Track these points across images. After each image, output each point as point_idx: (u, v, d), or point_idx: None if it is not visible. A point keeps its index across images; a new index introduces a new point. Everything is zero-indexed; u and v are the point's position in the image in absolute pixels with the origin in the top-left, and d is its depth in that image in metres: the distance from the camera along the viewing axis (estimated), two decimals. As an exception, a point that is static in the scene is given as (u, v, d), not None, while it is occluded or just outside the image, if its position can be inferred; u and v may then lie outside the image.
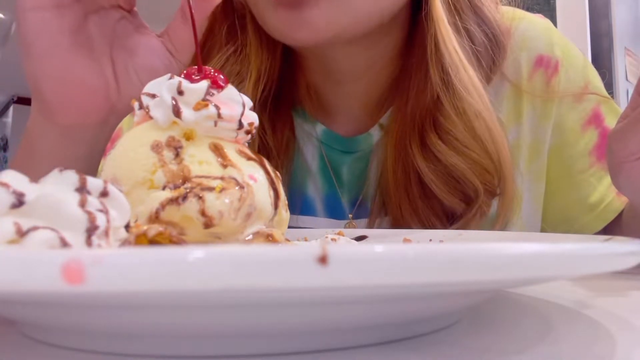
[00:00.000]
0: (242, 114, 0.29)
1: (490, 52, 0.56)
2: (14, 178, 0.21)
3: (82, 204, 0.21)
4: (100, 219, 0.21)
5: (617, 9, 2.07)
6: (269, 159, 0.53)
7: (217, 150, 0.28)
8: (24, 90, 4.50)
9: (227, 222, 0.26)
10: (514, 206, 0.54)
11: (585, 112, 0.61)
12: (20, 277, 0.15)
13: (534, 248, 0.17)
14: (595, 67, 0.65)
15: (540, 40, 0.61)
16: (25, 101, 4.67)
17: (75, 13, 0.41)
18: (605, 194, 0.61)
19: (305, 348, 0.20)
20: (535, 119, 0.60)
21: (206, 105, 0.28)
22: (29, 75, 0.42)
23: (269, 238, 0.27)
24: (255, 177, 0.28)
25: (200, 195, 0.26)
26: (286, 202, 0.30)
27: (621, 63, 2.06)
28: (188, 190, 0.26)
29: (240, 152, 0.29)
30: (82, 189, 0.22)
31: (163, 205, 0.26)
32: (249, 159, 0.29)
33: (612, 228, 0.61)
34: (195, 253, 0.14)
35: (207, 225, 0.26)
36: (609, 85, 1.96)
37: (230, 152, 0.28)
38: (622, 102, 1.96)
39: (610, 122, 0.61)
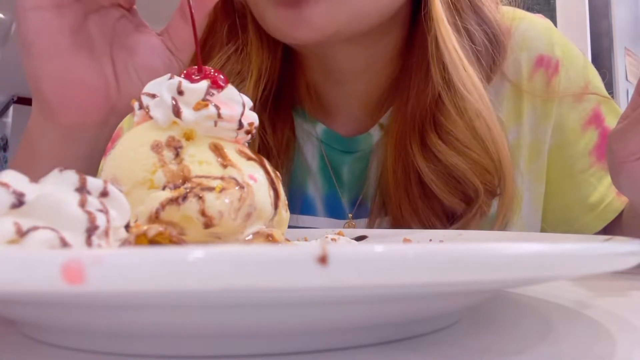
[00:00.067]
0: (242, 114, 0.29)
1: (491, 51, 0.56)
2: (14, 178, 0.21)
3: (82, 204, 0.21)
4: (100, 219, 0.21)
5: (617, 9, 2.07)
6: (269, 158, 0.53)
7: (217, 150, 0.28)
8: (24, 90, 4.50)
9: (227, 222, 0.26)
10: (514, 206, 0.54)
11: (585, 112, 0.61)
12: (20, 277, 0.15)
13: (534, 248, 0.17)
14: (595, 67, 0.65)
15: (541, 40, 0.61)
16: (25, 101, 4.67)
17: (75, 12, 0.41)
18: (605, 194, 0.61)
19: (305, 348, 0.20)
20: (535, 119, 0.60)
21: (206, 105, 0.28)
22: (29, 75, 0.42)
23: (269, 238, 0.27)
24: (255, 177, 0.28)
25: (200, 195, 0.26)
26: (286, 202, 0.30)
27: (621, 63, 2.06)
28: (188, 190, 0.26)
29: (240, 152, 0.29)
30: (82, 189, 0.22)
31: (163, 205, 0.26)
32: (249, 159, 0.29)
33: (612, 228, 0.61)
34: (195, 253, 0.14)
35: (207, 225, 0.26)
36: (609, 85, 1.96)
37: (230, 152, 0.28)
38: (622, 102, 1.96)
39: (611, 122, 0.61)
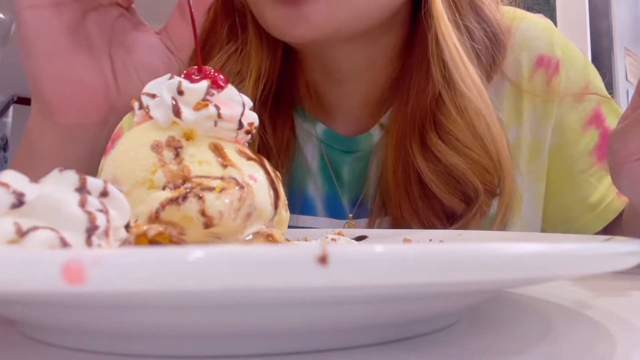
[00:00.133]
0: (242, 114, 0.29)
1: (491, 50, 0.56)
2: (14, 178, 0.21)
3: (82, 204, 0.21)
4: (100, 219, 0.21)
5: (617, 9, 2.07)
6: (269, 158, 0.53)
7: (217, 150, 0.28)
8: (24, 90, 4.50)
9: (227, 222, 0.26)
10: (513, 206, 0.54)
11: (585, 112, 0.61)
12: (20, 277, 0.15)
13: (534, 248, 0.17)
14: (595, 67, 0.65)
15: (541, 40, 0.61)
16: (25, 101, 4.67)
17: (74, 11, 0.41)
18: (605, 194, 0.61)
19: (305, 348, 0.20)
20: (535, 119, 0.60)
21: (206, 105, 0.28)
22: (28, 75, 0.42)
23: (269, 238, 0.27)
24: (255, 177, 0.28)
25: (200, 195, 0.26)
26: (286, 202, 0.30)
27: (621, 63, 2.06)
28: (188, 190, 0.26)
29: (240, 152, 0.29)
30: (82, 189, 0.22)
31: (163, 205, 0.26)
32: (249, 159, 0.29)
33: (612, 228, 0.61)
34: (195, 253, 0.14)
35: (207, 225, 0.26)
36: (609, 85, 1.96)
37: (230, 152, 0.28)
38: (622, 102, 1.96)
39: (611, 123, 0.61)
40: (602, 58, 2.02)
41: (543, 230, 0.63)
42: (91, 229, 0.21)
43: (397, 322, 0.22)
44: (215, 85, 0.29)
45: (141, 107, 0.30)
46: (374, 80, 0.59)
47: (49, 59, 0.41)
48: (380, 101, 0.60)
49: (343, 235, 0.41)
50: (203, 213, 0.26)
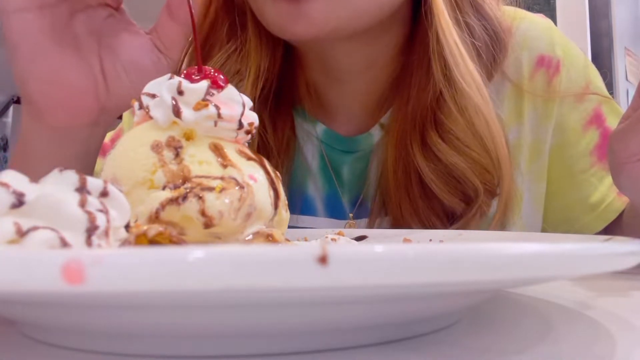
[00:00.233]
0: (242, 114, 0.29)
1: (491, 48, 0.56)
2: (14, 178, 0.21)
3: (82, 204, 0.21)
4: (100, 219, 0.21)
5: (617, 9, 2.07)
6: (269, 158, 0.53)
7: (217, 150, 0.28)
8: (25, 90, 4.49)
9: (227, 222, 0.26)
10: (512, 205, 0.54)
11: (586, 112, 0.61)
12: (20, 277, 0.15)
13: (534, 248, 0.17)
14: (596, 67, 0.65)
15: (542, 40, 0.61)
16: (25, 101, 4.66)
17: (61, 13, 0.41)
18: (606, 194, 0.61)
19: (305, 348, 0.20)
20: (536, 119, 0.60)
21: (206, 105, 0.28)
22: (16, 77, 0.41)
23: (269, 238, 0.27)
24: (255, 177, 0.28)
25: (200, 195, 0.26)
26: (286, 202, 0.30)
27: (621, 63, 2.06)
28: (188, 190, 0.26)
29: (240, 152, 0.29)
30: (82, 189, 0.22)
31: (163, 205, 0.26)
32: (249, 159, 0.29)
33: (613, 228, 0.61)
34: (195, 253, 0.14)
35: (207, 225, 0.26)
36: (609, 85, 1.96)
37: (230, 152, 0.28)
38: (622, 102, 1.96)
39: (612, 123, 0.61)
40: (602, 58, 2.02)
41: (544, 230, 0.62)
42: (91, 229, 0.21)
43: (397, 322, 0.22)
44: (215, 85, 0.29)
45: (141, 107, 0.30)
46: (374, 79, 0.59)
47: (34, 61, 0.40)
48: (380, 101, 0.60)
49: (343, 235, 0.41)
50: (203, 213, 0.26)
